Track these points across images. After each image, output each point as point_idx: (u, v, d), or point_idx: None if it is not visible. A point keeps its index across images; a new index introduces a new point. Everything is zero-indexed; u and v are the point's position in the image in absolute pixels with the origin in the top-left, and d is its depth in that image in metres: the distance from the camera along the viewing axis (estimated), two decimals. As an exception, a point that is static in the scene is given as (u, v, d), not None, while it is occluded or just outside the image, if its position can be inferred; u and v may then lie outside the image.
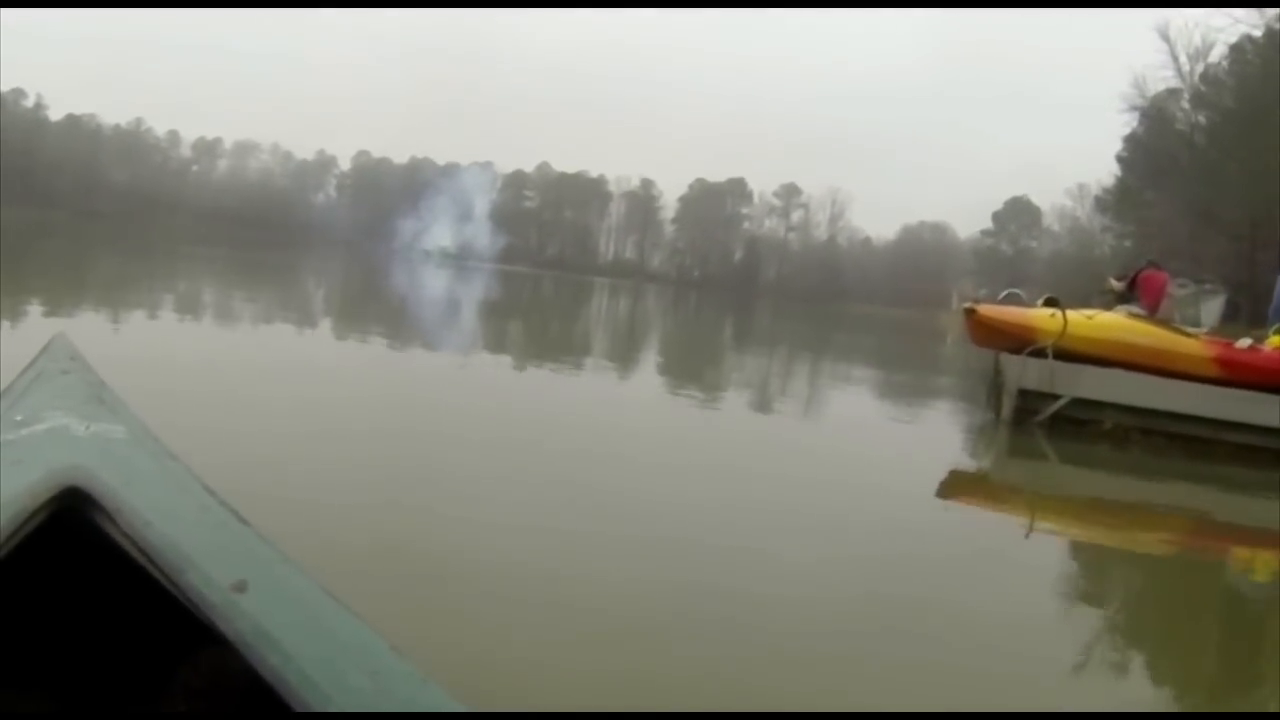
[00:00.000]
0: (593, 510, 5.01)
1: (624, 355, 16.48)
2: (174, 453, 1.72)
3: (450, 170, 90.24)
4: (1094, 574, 5.57)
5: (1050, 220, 79.09)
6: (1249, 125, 30.89)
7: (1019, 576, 4.98)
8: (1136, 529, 6.74)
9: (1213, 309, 11.06)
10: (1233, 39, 35.34)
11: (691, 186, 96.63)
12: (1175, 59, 38.07)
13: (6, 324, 9.03)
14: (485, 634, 3.15)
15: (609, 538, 4.52)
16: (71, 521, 1.41)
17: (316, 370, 9.46)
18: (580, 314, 30.44)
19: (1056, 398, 9.92)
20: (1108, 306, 11.14)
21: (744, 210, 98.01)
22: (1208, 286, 11.70)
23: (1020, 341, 10.10)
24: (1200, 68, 38.40)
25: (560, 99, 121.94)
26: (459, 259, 75.29)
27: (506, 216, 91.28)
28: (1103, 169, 49.74)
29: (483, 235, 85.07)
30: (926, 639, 3.68)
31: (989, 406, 10.88)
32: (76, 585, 1.64)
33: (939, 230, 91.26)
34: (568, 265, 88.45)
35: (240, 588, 1.29)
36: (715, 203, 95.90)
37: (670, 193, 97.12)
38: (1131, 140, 43.77)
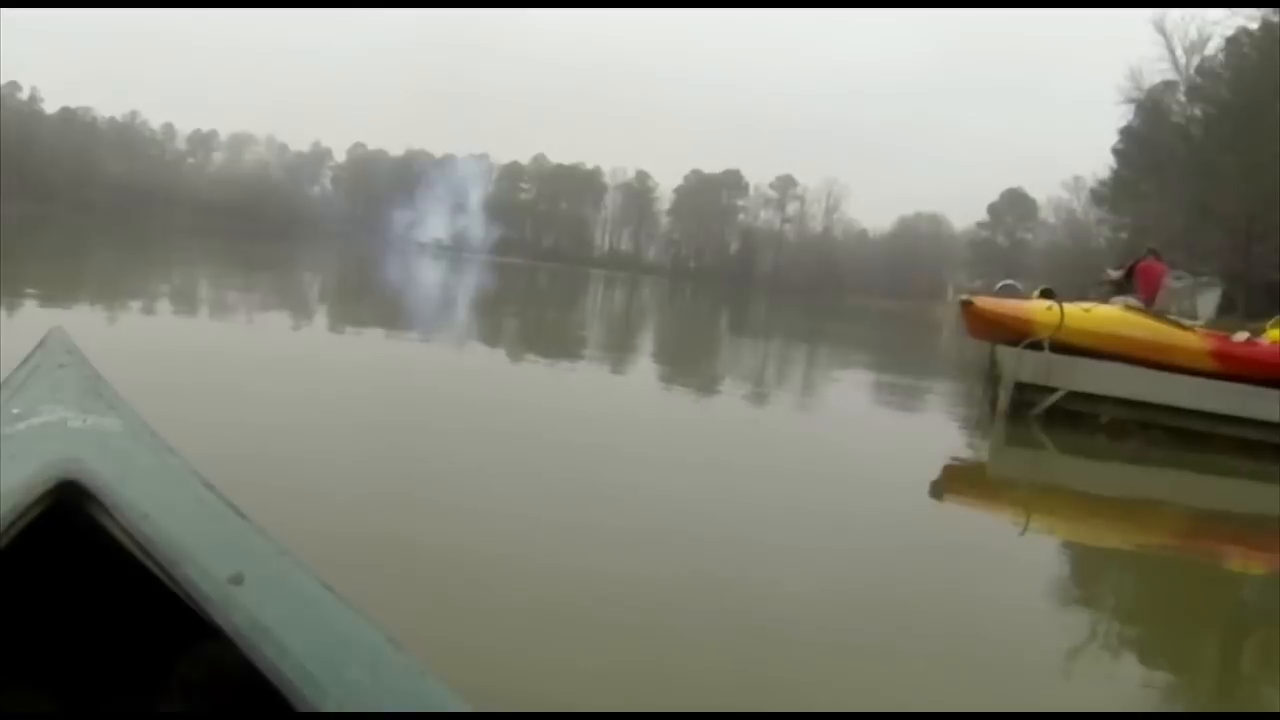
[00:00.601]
0: (589, 501, 5.01)
1: (620, 347, 16.46)
2: (171, 446, 1.71)
3: (445, 162, 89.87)
4: (1089, 567, 5.58)
5: (1046, 212, 78.84)
6: (1245, 118, 30.83)
7: (1015, 569, 4.99)
8: (1132, 523, 6.75)
9: (1208, 302, 11.11)
10: (1229, 32, 35.28)
11: (687, 178, 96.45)
12: (1171, 52, 38.01)
13: (3, 318, 9.00)
14: (483, 625, 3.15)
15: (607, 529, 4.52)
16: (68, 515, 1.40)
17: (312, 362, 9.45)
18: (576, 306, 30.40)
19: (1053, 390, 9.92)
20: (1105, 298, 11.14)
21: (740, 202, 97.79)
22: (1203, 279, 11.75)
23: (1017, 334, 10.09)
24: (1196, 61, 38.33)
25: (556, 91, 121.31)
26: (454, 250, 75.14)
27: (502, 208, 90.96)
28: (1099, 161, 49.75)
29: (478, 227, 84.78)
30: (925, 631, 3.69)
31: (985, 399, 10.88)
32: (73, 578, 1.64)
33: (935, 222, 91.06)
34: (563, 257, 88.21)
35: (237, 580, 1.29)
36: (711, 194, 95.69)
37: (666, 184, 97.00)
38: (1127, 133, 43.70)
